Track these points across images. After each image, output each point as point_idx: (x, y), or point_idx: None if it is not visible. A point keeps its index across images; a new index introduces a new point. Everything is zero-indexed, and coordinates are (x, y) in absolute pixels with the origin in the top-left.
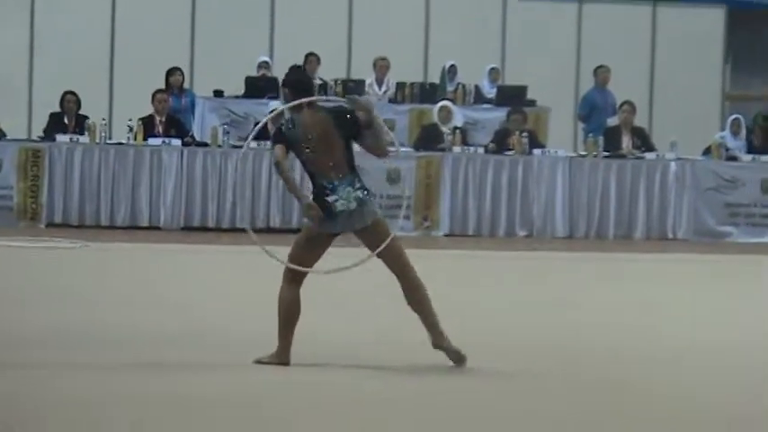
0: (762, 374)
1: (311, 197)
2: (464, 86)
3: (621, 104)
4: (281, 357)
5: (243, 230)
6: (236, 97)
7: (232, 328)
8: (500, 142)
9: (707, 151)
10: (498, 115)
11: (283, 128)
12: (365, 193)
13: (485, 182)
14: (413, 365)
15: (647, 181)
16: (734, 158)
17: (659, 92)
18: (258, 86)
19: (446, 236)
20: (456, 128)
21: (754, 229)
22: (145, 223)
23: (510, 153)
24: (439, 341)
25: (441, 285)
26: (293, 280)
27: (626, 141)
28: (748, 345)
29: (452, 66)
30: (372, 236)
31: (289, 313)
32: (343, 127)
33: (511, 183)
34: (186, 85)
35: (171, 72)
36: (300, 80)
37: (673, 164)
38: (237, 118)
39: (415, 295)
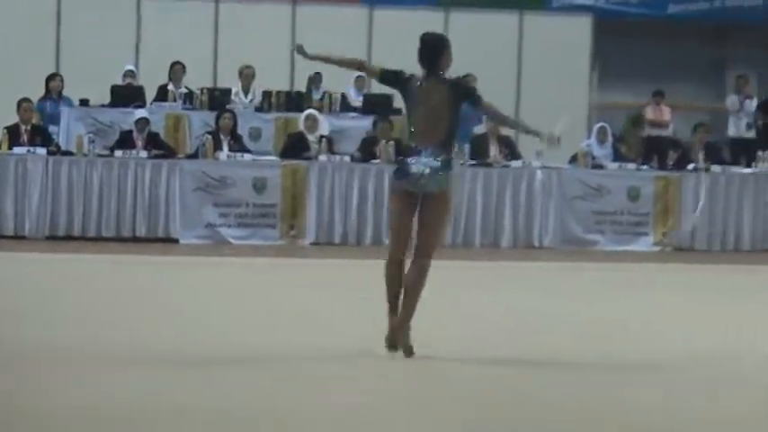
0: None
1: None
2: (330, 95)
3: None
4: (391, 324)
5: (109, 239)
6: (102, 106)
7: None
8: (366, 151)
9: (573, 159)
10: (365, 124)
11: (412, 80)
12: (442, 165)
13: (351, 190)
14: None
15: (513, 189)
16: (600, 166)
17: (526, 100)
18: (123, 95)
19: (312, 244)
20: (322, 136)
21: (620, 236)
22: (10, 232)
23: (376, 161)
24: (402, 330)
25: (304, 293)
26: (396, 245)
27: (493, 150)
28: (618, 354)
29: (317, 74)
30: (430, 205)
31: (391, 281)
32: (456, 96)
33: (377, 191)
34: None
35: (51, 77)
36: (427, 43)
37: (539, 172)
38: (103, 127)
39: (415, 278)
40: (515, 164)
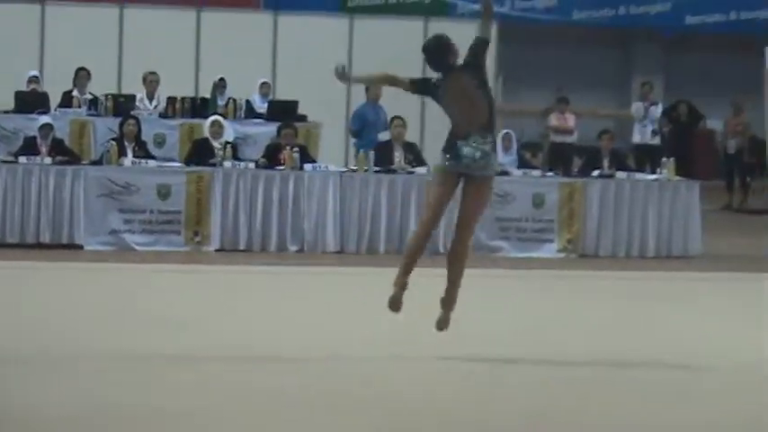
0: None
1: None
2: (235, 101)
3: (392, 119)
4: (400, 283)
5: (13, 245)
6: (6, 112)
7: None
8: (271, 157)
9: None
10: (269, 130)
11: (433, 83)
12: (491, 147)
13: (255, 197)
14: None
15: (418, 195)
16: (505, 173)
17: (431, 107)
18: (28, 101)
19: (217, 251)
20: (227, 143)
21: (525, 243)
22: None
23: (281, 168)
24: (448, 304)
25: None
26: (422, 224)
27: (397, 156)
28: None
29: (222, 79)
30: (476, 187)
31: (409, 252)
32: (475, 69)
33: (282, 197)
34: None
35: None
36: (430, 50)
37: None
38: (7, 133)
39: (457, 258)
40: (420, 170)
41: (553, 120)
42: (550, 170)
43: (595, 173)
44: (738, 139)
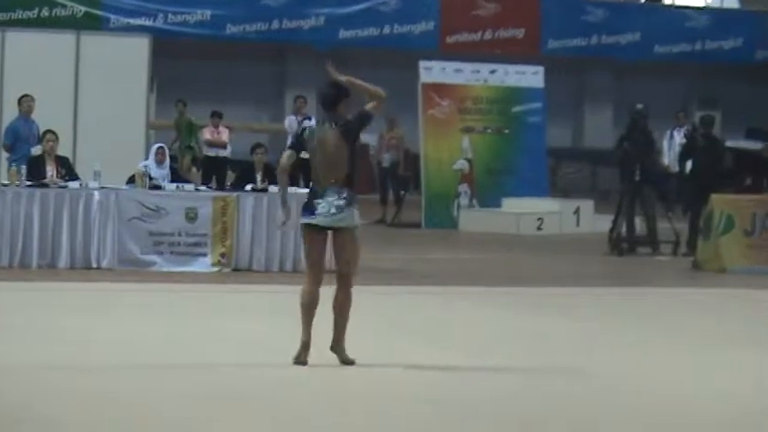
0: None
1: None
2: None
3: (45, 133)
4: (304, 341)
5: None
6: None
7: None
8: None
9: (131, 180)
10: None
11: (303, 134)
12: (345, 203)
13: None
14: None
15: (71, 210)
16: (158, 187)
17: (83, 121)
18: None
19: None
20: None
21: (178, 257)
22: None
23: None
24: (339, 346)
25: None
26: (309, 278)
27: (50, 170)
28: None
29: None
30: (341, 238)
31: (310, 306)
32: (349, 134)
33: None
34: None
35: None
36: (323, 95)
37: (96, 193)
38: None
39: (345, 304)
40: (73, 185)
41: (207, 134)
42: (204, 184)
43: (249, 187)
44: (393, 153)
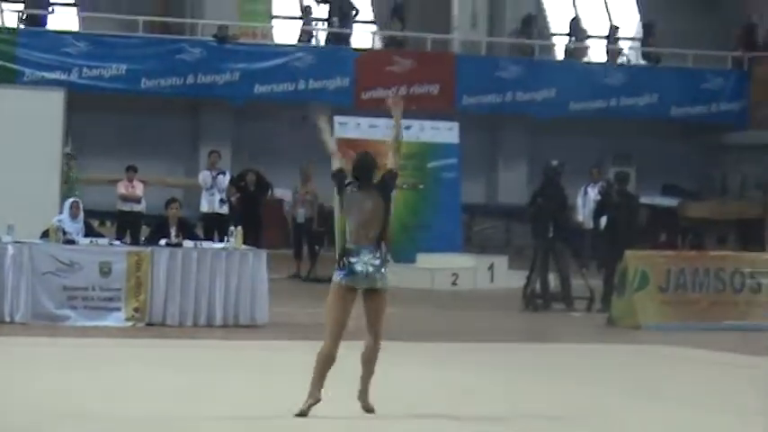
0: None
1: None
2: None
3: None
4: (314, 396)
5: None
6: None
7: None
8: None
9: (45, 234)
10: None
11: (349, 189)
12: (380, 262)
13: None
14: None
15: None
16: (72, 242)
17: None
18: None
19: None
20: None
21: (92, 312)
22: None
23: None
24: (365, 396)
25: None
26: (330, 339)
27: None
28: None
29: None
30: (374, 298)
31: (327, 364)
32: (387, 193)
33: None
34: None
35: None
36: (361, 167)
37: (10, 247)
38: None
39: (372, 357)
40: None
41: (121, 188)
42: (118, 239)
43: (163, 242)
44: (307, 208)
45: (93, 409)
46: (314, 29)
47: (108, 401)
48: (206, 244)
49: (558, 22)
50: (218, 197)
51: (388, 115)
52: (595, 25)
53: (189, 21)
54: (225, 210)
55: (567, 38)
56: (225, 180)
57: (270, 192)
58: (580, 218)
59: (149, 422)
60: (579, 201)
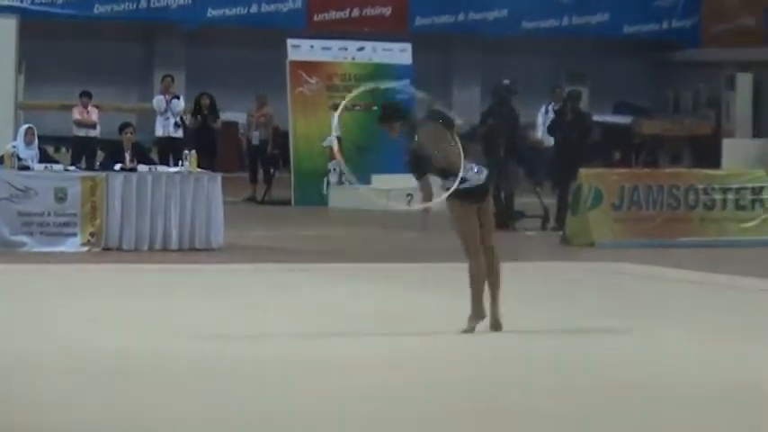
0: None
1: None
2: None
3: None
4: (478, 314)
5: None
6: None
7: None
8: None
9: (0, 161)
10: None
11: (412, 149)
12: (482, 169)
13: None
14: None
15: None
16: (27, 168)
17: None
18: None
19: None
20: None
21: (48, 238)
22: None
23: None
24: (495, 308)
25: None
26: (477, 251)
27: None
28: None
29: None
30: (485, 206)
31: (480, 279)
32: (445, 121)
33: None
34: None
35: None
36: (390, 112)
37: None
38: None
39: (498, 263)
40: None
41: (76, 114)
42: (73, 164)
43: (117, 166)
44: (262, 131)
45: (59, 338)
46: None
47: (75, 330)
48: (161, 168)
49: None
50: (172, 121)
51: (341, 37)
52: None
53: None
54: (179, 134)
55: None
56: (179, 104)
57: (215, 116)
58: (539, 135)
59: (119, 353)
60: (540, 119)
